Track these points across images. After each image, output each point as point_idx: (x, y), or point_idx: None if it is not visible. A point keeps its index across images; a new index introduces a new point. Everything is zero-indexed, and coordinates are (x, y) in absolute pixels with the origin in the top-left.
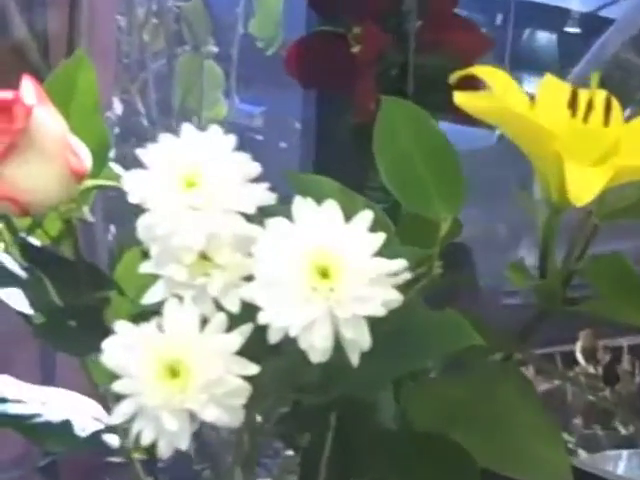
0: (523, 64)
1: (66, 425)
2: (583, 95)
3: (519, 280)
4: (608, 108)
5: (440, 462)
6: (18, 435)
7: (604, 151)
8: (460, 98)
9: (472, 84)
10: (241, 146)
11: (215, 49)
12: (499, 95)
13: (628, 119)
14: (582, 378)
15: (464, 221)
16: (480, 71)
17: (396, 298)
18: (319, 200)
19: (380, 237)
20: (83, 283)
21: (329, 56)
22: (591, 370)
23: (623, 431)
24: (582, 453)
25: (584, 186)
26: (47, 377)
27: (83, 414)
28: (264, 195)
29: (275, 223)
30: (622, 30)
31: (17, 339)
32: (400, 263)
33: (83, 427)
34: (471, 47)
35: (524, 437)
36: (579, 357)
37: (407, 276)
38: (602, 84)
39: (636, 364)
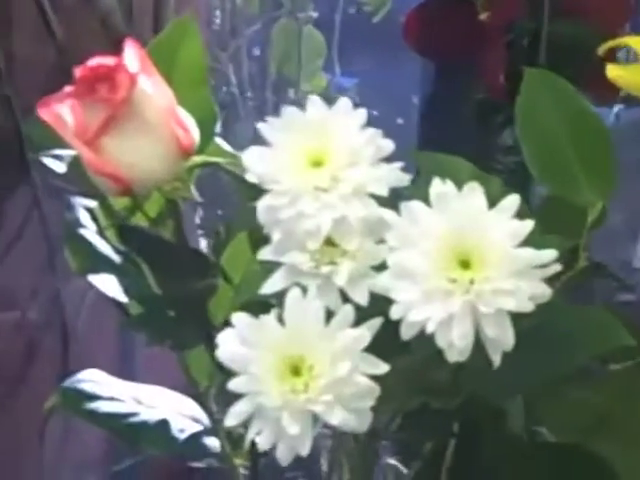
0: None
1: (163, 426)
2: None
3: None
4: None
5: (575, 474)
6: (92, 435)
7: None
8: (613, 71)
9: (610, 56)
10: None
11: (315, 14)
12: None
13: None
14: None
15: None
16: (633, 41)
17: (545, 292)
18: (456, 182)
19: (528, 225)
20: (186, 270)
21: (453, 23)
22: None
23: None
24: None
25: None
26: (126, 375)
27: (180, 414)
28: (398, 176)
29: (411, 207)
30: None
31: (94, 334)
32: (550, 254)
33: (181, 428)
34: (612, 15)
35: None
36: None
37: (557, 268)
38: None
39: None
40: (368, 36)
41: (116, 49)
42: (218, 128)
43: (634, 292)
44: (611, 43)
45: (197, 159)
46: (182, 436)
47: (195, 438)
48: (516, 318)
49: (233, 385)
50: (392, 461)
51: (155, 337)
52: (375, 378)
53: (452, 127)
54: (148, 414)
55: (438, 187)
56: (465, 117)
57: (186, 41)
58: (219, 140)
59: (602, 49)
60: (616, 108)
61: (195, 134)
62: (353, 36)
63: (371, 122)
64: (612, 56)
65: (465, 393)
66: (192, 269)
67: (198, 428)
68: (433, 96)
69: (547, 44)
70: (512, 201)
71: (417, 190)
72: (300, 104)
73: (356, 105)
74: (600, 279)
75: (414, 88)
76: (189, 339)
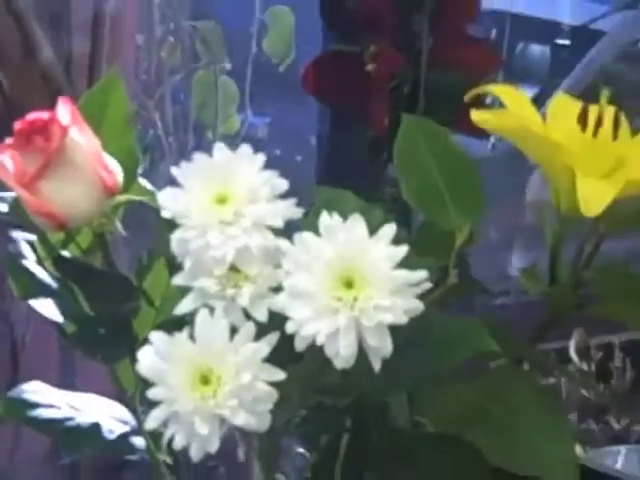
0: (517, 75)
1: (95, 428)
2: (592, 110)
3: (532, 286)
4: (616, 123)
5: (452, 462)
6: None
7: (613, 165)
8: (477, 116)
9: (479, 100)
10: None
11: (229, 66)
12: (514, 112)
13: None
14: (576, 375)
15: None
16: (495, 89)
17: (417, 307)
18: (342, 213)
19: (402, 250)
20: (113, 293)
21: (344, 74)
22: (584, 367)
23: (616, 426)
24: (577, 447)
25: (594, 198)
26: (68, 383)
27: (111, 417)
28: (291, 210)
29: (302, 237)
30: (611, 42)
31: (39, 347)
32: (421, 274)
33: (111, 429)
34: (482, 65)
35: (534, 437)
36: (572, 355)
37: (427, 286)
38: (591, 94)
39: (627, 360)
40: (276, 83)
41: (56, 100)
42: (146, 166)
43: (509, 296)
44: (476, 90)
45: (121, 198)
46: (112, 436)
47: (123, 437)
48: (399, 328)
49: (151, 394)
50: (301, 450)
51: (88, 352)
52: (274, 383)
53: (345, 162)
54: (82, 418)
55: (326, 219)
56: (356, 153)
57: (113, 95)
58: (142, 180)
59: (468, 96)
60: (492, 139)
61: (119, 176)
62: (263, 83)
63: (276, 159)
64: (481, 101)
65: (354, 393)
66: (118, 293)
67: (126, 429)
68: (328, 135)
69: (425, 90)
70: (389, 230)
71: (311, 221)
72: (216, 144)
73: (265, 144)
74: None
75: (313, 128)
76: (116, 353)
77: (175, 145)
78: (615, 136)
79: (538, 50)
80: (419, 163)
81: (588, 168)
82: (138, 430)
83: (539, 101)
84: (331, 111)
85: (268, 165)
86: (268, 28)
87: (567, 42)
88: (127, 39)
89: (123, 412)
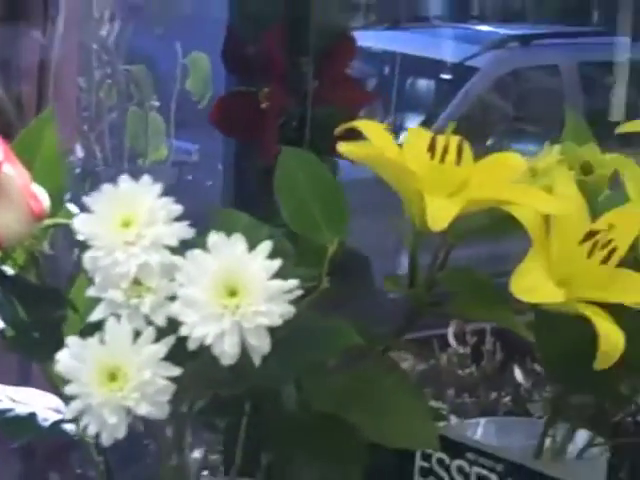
0: (408, 106)
1: (32, 417)
2: (440, 140)
3: (393, 288)
4: (460, 151)
5: (334, 438)
6: None
7: (457, 186)
8: (343, 147)
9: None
10: (178, 183)
11: (157, 103)
12: (375, 144)
13: (489, 149)
14: (454, 357)
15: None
16: (360, 124)
17: (290, 311)
18: (231, 232)
19: (276, 263)
20: (45, 303)
21: (243, 111)
22: (461, 350)
23: (486, 400)
24: (453, 418)
25: (440, 215)
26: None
27: (46, 408)
28: (184, 231)
29: (193, 253)
30: (485, 77)
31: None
32: (292, 283)
33: (46, 418)
34: (358, 101)
35: (400, 415)
36: (451, 340)
37: (299, 292)
38: (467, 121)
39: (497, 344)
40: (196, 117)
41: (6, 136)
42: (87, 191)
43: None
44: (345, 125)
45: (48, 222)
46: (46, 424)
47: (56, 425)
48: (278, 328)
49: (68, 390)
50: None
51: (24, 352)
52: (172, 378)
53: (246, 187)
54: (20, 409)
55: (212, 237)
56: (254, 180)
57: (46, 131)
58: (70, 205)
59: (337, 131)
60: None
61: (46, 203)
62: (186, 117)
63: (189, 183)
64: (353, 134)
65: (243, 384)
66: (49, 303)
67: (59, 417)
68: (233, 163)
69: (311, 125)
70: (265, 246)
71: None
72: (147, 170)
73: (188, 169)
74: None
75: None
76: (48, 354)
77: (113, 172)
78: (459, 162)
79: (424, 84)
80: (295, 187)
81: (435, 190)
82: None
83: (426, 126)
84: (235, 142)
85: (183, 189)
86: (189, 71)
87: (449, 77)
88: (70, 81)
89: (58, 403)
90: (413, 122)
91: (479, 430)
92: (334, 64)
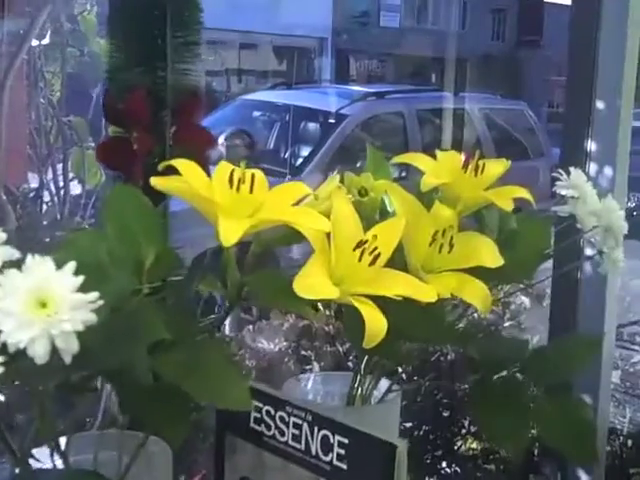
0: (301, 140)
1: None
2: (237, 173)
3: (209, 288)
4: (253, 181)
5: (174, 403)
6: None
7: (254, 209)
8: (154, 181)
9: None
10: None
11: (92, 144)
12: (186, 178)
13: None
14: (322, 317)
15: None
16: (176, 162)
17: (92, 319)
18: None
19: (79, 279)
20: None
21: (120, 151)
22: (327, 312)
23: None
24: (316, 365)
25: (229, 233)
26: None
27: None
28: (8, 252)
29: (9, 273)
30: (353, 120)
31: None
32: (93, 295)
33: None
34: (203, 144)
35: (222, 382)
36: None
37: (100, 303)
38: (341, 150)
39: None
40: None
41: None
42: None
43: None
44: (165, 163)
45: None
46: None
47: None
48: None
49: None
50: None
51: None
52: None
53: None
54: None
55: (28, 259)
56: None
57: None
58: None
59: (161, 165)
60: None
61: None
62: None
63: None
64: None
65: (83, 369)
66: None
67: None
68: None
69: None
70: (71, 265)
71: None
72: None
73: None
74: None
75: None
76: None
77: (60, 194)
78: (252, 190)
79: (313, 125)
80: (121, 215)
81: (232, 214)
82: None
83: (313, 154)
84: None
85: None
86: None
87: (329, 121)
88: (22, 131)
89: None
90: (305, 151)
91: (310, 382)
92: (186, 115)
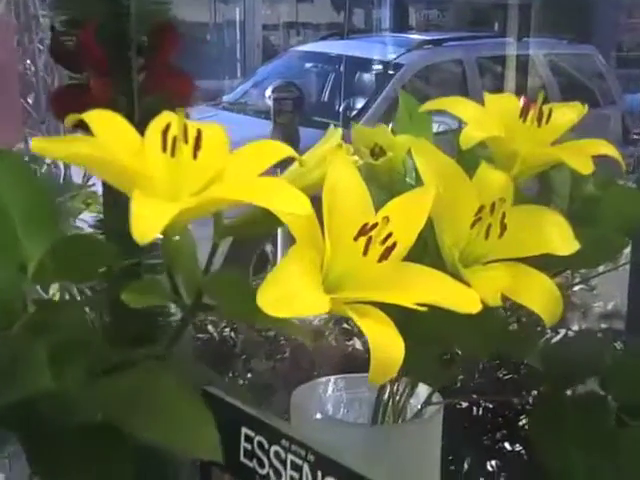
0: (355, 92)
1: None
2: (173, 130)
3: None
4: (199, 141)
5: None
6: None
7: (200, 183)
8: (34, 143)
9: None
10: None
11: None
12: (100, 137)
13: None
14: None
15: None
16: (87, 116)
17: None
18: None
19: None
20: None
21: (76, 100)
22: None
23: None
24: None
25: (143, 224)
26: None
27: None
28: None
29: None
30: (409, 70)
31: None
32: None
33: None
34: (181, 90)
35: (178, 419)
36: None
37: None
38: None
39: None
40: None
41: None
42: None
43: None
44: (74, 117)
45: None
46: None
47: None
48: None
49: None
50: None
51: None
52: None
53: None
54: None
55: None
56: None
57: None
58: None
59: (68, 122)
60: None
61: None
62: None
63: None
64: None
65: None
66: None
67: None
68: None
69: (139, 111)
70: None
71: None
72: None
73: None
74: None
75: None
76: None
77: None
78: (196, 155)
79: (367, 77)
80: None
81: (165, 191)
82: None
83: (367, 106)
84: None
85: None
86: None
87: (387, 70)
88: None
89: None
90: (360, 103)
91: (329, 387)
92: (159, 55)
